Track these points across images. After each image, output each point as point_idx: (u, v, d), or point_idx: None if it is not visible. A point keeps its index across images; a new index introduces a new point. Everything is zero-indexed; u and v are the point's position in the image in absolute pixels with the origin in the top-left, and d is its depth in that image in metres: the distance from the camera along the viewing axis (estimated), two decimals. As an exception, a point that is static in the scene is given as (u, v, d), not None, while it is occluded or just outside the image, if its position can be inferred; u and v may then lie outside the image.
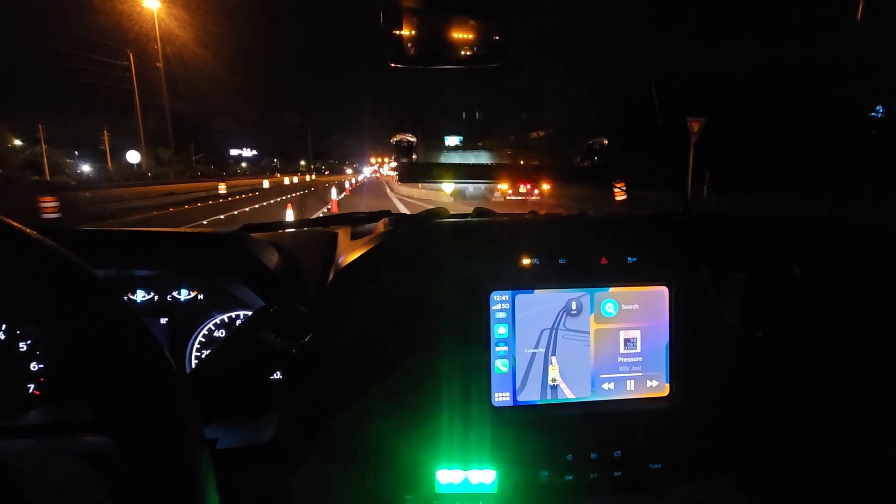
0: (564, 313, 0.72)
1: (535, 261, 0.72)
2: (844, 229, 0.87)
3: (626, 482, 0.72)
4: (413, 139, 0.85)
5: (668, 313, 0.74)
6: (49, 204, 8.80)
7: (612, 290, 0.73)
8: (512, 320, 0.71)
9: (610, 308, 0.73)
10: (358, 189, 25.47)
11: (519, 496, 0.72)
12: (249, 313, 0.73)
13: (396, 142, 0.85)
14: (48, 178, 26.23)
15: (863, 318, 0.77)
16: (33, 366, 0.76)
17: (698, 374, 0.74)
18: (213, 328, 0.82)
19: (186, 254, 0.76)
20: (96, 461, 0.41)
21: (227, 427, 0.70)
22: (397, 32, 0.71)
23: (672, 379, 0.74)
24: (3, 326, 0.76)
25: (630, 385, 0.74)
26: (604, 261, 0.73)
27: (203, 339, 0.82)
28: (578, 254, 0.72)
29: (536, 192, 12.38)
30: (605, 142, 0.88)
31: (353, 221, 1.04)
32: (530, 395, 0.72)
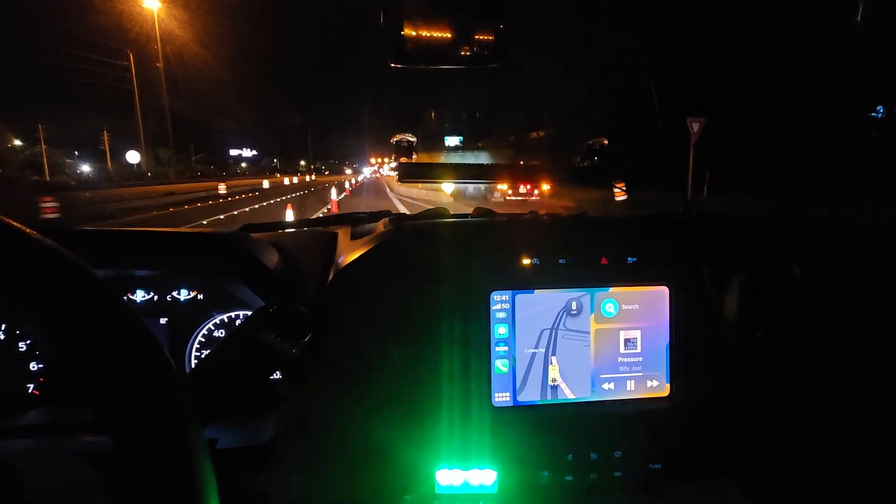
0: (564, 313, 0.72)
1: (535, 261, 0.72)
2: (844, 229, 0.87)
3: (626, 482, 0.72)
4: (413, 139, 0.85)
5: (668, 313, 0.73)
6: (49, 204, 8.79)
7: (612, 290, 0.73)
8: (512, 320, 0.71)
9: (610, 308, 0.73)
10: (358, 189, 25.46)
11: (519, 496, 0.72)
12: (249, 313, 0.73)
13: (396, 142, 0.85)
14: (48, 178, 26.24)
15: (863, 318, 0.77)
16: (33, 366, 0.76)
17: (698, 374, 0.74)
18: (213, 328, 0.82)
19: (186, 254, 0.76)
20: (96, 461, 0.41)
21: (227, 427, 0.70)
22: (397, 32, 0.71)
23: (672, 379, 0.74)
24: (3, 326, 0.76)
25: (630, 385, 0.74)
26: (604, 261, 0.73)
27: (203, 339, 0.82)
28: (578, 254, 0.72)
29: (536, 192, 12.38)
30: (605, 142, 0.88)
31: (353, 221, 1.04)
32: (530, 395, 0.72)
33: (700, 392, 0.74)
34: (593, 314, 0.72)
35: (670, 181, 0.78)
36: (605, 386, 0.73)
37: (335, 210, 10.89)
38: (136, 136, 32.64)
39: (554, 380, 0.72)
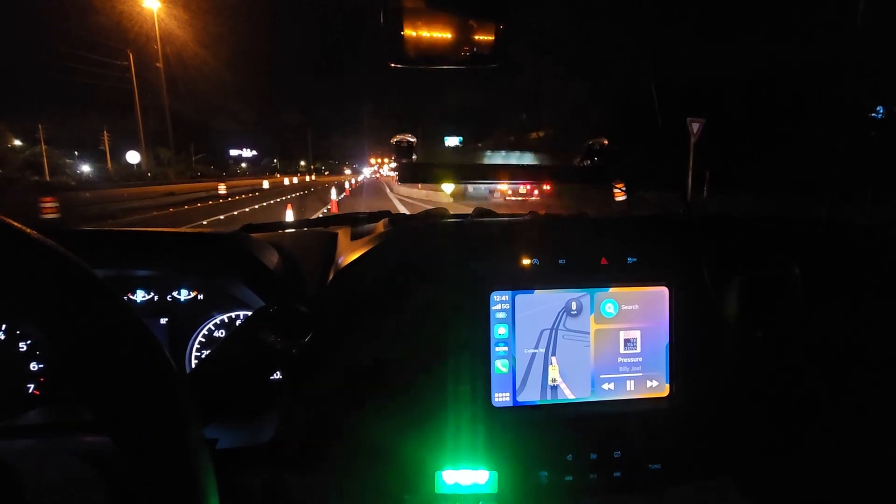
0: (564, 313, 0.72)
1: (535, 261, 0.72)
2: (844, 229, 0.87)
3: (625, 482, 0.72)
4: (413, 139, 0.85)
5: (668, 313, 0.73)
6: (49, 204, 8.79)
7: (612, 290, 0.73)
8: (512, 320, 0.71)
9: (610, 308, 0.73)
10: (357, 190, 25.46)
11: (518, 497, 0.72)
12: (249, 313, 0.73)
13: (396, 142, 0.85)
14: (48, 179, 26.24)
15: (863, 318, 0.77)
16: (33, 366, 0.76)
17: (698, 374, 0.74)
18: (213, 328, 0.82)
19: (186, 254, 0.76)
20: (96, 461, 0.41)
21: (227, 427, 0.70)
22: (397, 32, 0.71)
23: (672, 379, 0.74)
24: (3, 326, 0.76)
25: (630, 385, 0.74)
26: (604, 261, 0.73)
27: (203, 340, 0.82)
28: (578, 254, 0.72)
29: (536, 192, 12.38)
30: (605, 142, 0.88)
31: (353, 222, 1.03)
32: (530, 395, 0.72)
33: (700, 392, 0.74)
34: (593, 314, 0.72)
35: (670, 181, 0.78)
36: (605, 386, 0.73)
37: (335, 210, 10.89)
38: (136, 136, 32.67)
39: (554, 380, 0.72)
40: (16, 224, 0.34)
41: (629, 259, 0.73)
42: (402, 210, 9.01)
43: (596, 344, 0.73)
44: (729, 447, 0.76)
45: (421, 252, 0.73)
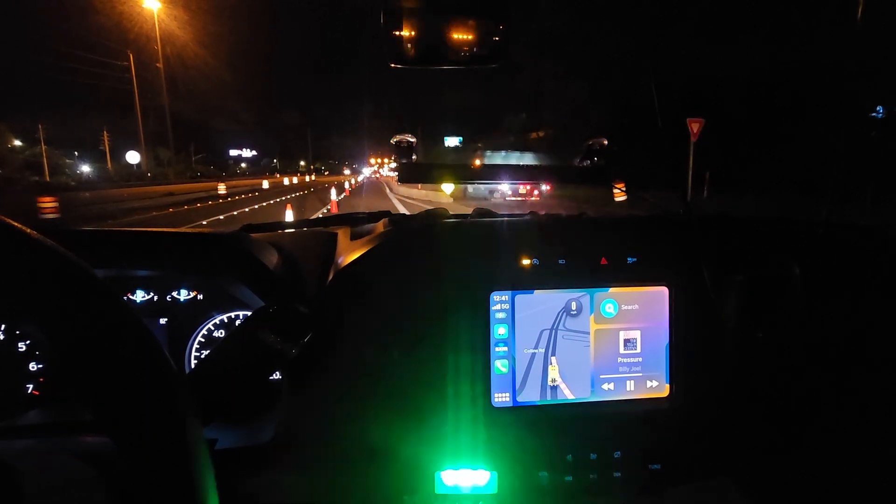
0: (564, 314, 0.72)
1: (535, 261, 0.72)
2: (844, 229, 0.87)
3: (625, 483, 0.72)
4: (413, 140, 0.85)
5: (667, 314, 0.73)
6: (49, 204, 8.78)
7: (611, 290, 0.73)
8: (511, 321, 0.71)
9: (610, 308, 0.73)
10: (357, 190, 25.45)
11: (518, 497, 0.72)
12: (249, 313, 0.73)
13: (396, 142, 0.85)
14: (48, 179, 26.25)
15: (863, 318, 0.77)
16: (33, 366, 0.76)
17: (698, 374, 0.74)
18: (213, 328, 0.82)
19: (186, 254, 0.76)
20: (96, 461, 0.41)
21: (227, 427, 0.70)
22: (397, 33, 0.71)
23: (672, 379, 0.74)
24: (3, 326, 0.76)
25: (630, 385, 0.74)
26: (604, 261, 0.73)
27: (203, 340, 0.82)
28: (578, 254, 0.72)
29: (536, 192, 12.40)
30: (605, 142, 0.88)
31: (353, 222, 1.03)
32: (530, 395, 0.72)
33: (700, 392, 0.74)
34: (593, 314, 0.72)
35: (670, 181, 0.78)
36: (605, 386, 0.73)
37: (335, 210, 10.89)
38: (136, 136, 32.68)
39: (553, 380, 0.72)
40: (16, 224, 0.34)
41: (629, 259, 0.73)
42: (402, 210, 9.01)
43: (596, 344, 0.73)
44: (729, 447, 0.76)
45: (421, 252, 0.73)
